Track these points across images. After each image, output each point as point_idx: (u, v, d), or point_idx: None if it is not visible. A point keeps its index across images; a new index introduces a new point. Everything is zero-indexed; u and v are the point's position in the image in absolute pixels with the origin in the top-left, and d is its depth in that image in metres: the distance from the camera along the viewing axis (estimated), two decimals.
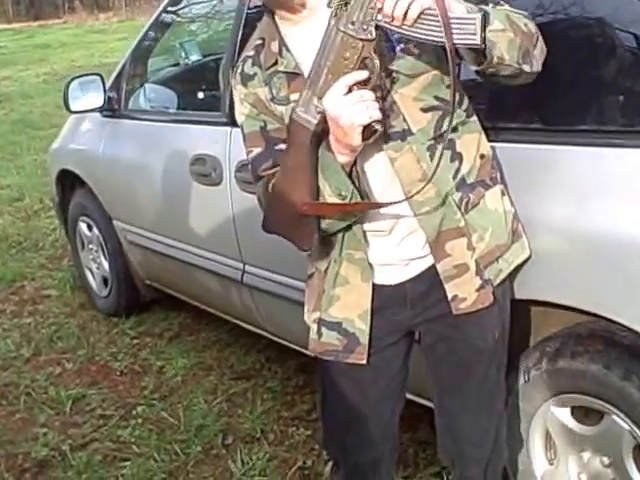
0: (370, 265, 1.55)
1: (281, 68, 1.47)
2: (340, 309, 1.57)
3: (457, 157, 1.50)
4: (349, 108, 1.30)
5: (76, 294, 4.04)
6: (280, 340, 2.73)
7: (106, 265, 3.65)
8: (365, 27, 1.31)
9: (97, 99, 3.19)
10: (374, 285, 1.56)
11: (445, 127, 1.46)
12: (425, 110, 1.46)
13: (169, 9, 3.33)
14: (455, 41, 1.26)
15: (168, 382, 3.12)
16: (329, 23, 1.33)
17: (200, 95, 3.14)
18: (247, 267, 2.63)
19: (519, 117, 1.82)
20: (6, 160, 7.25)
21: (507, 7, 1.44)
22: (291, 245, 1.54)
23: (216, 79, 2.75)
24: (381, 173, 1.48)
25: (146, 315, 3.72)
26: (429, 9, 1.25)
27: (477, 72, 1.42)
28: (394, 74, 1.42)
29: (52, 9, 32.09)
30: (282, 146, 1.48)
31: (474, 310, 1.55)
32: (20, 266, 4.52)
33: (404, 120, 1.45)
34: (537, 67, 1.44)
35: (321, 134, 1.38)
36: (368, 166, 1.47)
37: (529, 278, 1.72)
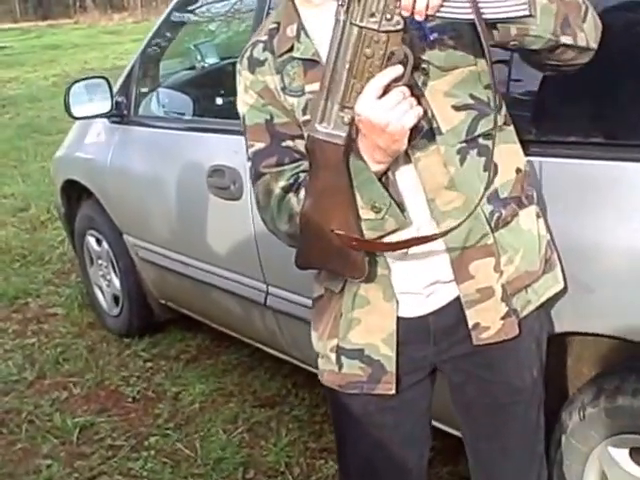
0: (391, 285, 1.45)
1: (297, 54, 1.39)
2: (361, 334, 1.48)
3: (491, 167, 1.39)
4: (395, 112, 1.21)
5: (84, 313, 3.98)
6: (306, 367, 2.64)
7: (117, 282, 3.60)
8: (389, 17, 1.19)
9: (103, 104, 3.11)
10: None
11: (480, 130, 1.39)
12: (458, 108, 1.37)
13: (181, 8, 3.25)
14: (500, 15, 1.16)
15: (184, 410, 3.04)
16: (337, 20, 1.21)
17: (218, 101, 3.08)
18: (271, 288, 2.57)
19: (579, 130, 1.72)
20: (11, 167, 7.25)
21: None
22: None
23: (235, 83, 2.63)
24: (403, 176, 1.38)
25: (161, 336, 3.66)
26: None
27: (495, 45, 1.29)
28: (424, 65, 1.33)
29: (62, 8, 32.44)
30: (289, 143, 1.42)
31: (499, 341, 1.46)
32: (24, 281, 4.47)
33: (433, 117, 1.36)
34: (585, 42, 1.33)
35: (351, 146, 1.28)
36: (393, 170, 1.38)
37: (585, 308, 1.65)
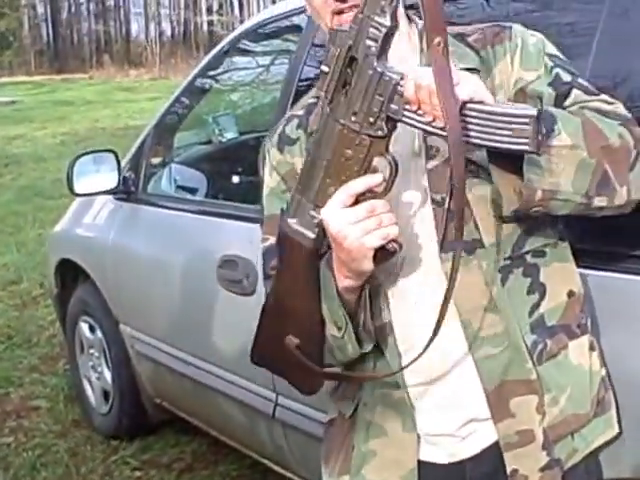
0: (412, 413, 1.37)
1: None
2: (377, 470, 1.40)
3: (539, 289, 1.33)
4: (357, 226, 1.15)
5: (69, 408, 3.86)
6: None
7: (108, 376, 3.51)
8: (372, 120, 1.14)
9: (109, 179, 3.06)
10: (419, 462, 1.37)
11: (528, 247, 1.33)
12: (505, 220, 1.29)
13: (204, 74, 3.22)
14: (488, 143, 1.10)
15: None
16: (322, 111, 1.18)
17: (234, 182, 3.05)
18: (280, 399, 2.48)
19: None
20: (6, 234, 7.25)
21: (599, 104, 1.26)
22: None
23: (255, 163, 2.58)
24: (433, 294, 1.29)
25: (153, 439, 3.53)
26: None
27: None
28: (471, 167, 1.26)
29: (78, 62, 33.52)
30: None
31: None
32: (6, 367, 4.37)
33: (476, 228, 1.29)
34: (625, 198, 1.22)
35: (320, 249, 1.24)
36: (412, 283, 1.32)
37: None
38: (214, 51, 3.09)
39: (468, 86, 1.09)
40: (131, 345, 3.27)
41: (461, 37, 1.36)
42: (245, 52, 3.13)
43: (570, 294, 1.38)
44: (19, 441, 3.60)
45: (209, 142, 3.58)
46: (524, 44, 1.31)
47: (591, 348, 1.41)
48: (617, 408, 1.47)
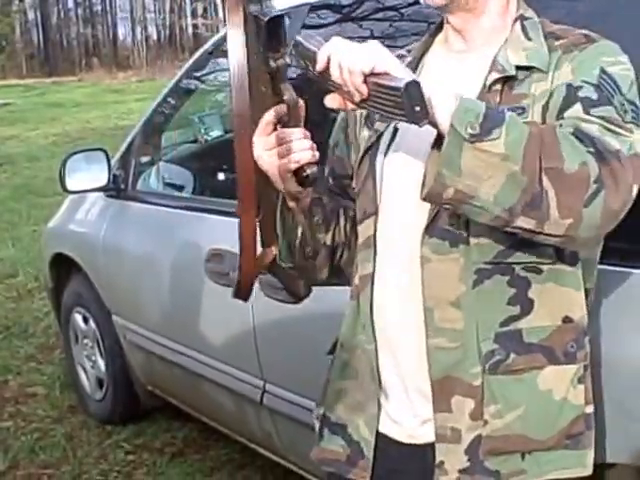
0: (379, 371, 1.34)
1: None
2: (347, 407, 1.40)
3: (523, 302, 1.23)
4: (270, 152, 1.23)
5: (66, 394, 3.80)
6: (304, 473, 2.48)
7: (102, 364, 3.46)
8: (276, 55, 1.20)
9: (100, 177, 3.01)
10: (382, 436, 1.35)
11: (518, 259, 1.23)
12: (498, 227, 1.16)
13: (190, 75, 3.17)
14: (389, 116, 1.10)
15: None
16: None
17: (220, 178, 3.01)
18: (268, 386, 2.45)
19: None
20: (2, 230, 7.14)
21: (590, 127, 1.11)
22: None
23: None
24: (398, 269, 1.29)
25: (146, 424, 3.47)
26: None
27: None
28: None
29: (68, 65, 33.21)
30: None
31: None
32: (5, 356, 4.30)
33: (465, 225, 1.22)
34: (569, 231, 1.08)
35: None
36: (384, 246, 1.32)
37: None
38: (198, 53, 3.04)
39: (366, 58, 1.08)
40: (123, 335, 3.22)
41: (553, 36, 1.28)
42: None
43: (566, 320, 1.26)
44: (18, 425, 3.55)
45: (195, 141, 3.52)
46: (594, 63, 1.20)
47: (579, 382, 1.28)
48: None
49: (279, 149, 1.21)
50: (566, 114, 1.15)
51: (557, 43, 1.27)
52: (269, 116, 1.21)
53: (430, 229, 1.24)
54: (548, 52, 1.26)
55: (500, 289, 1.23)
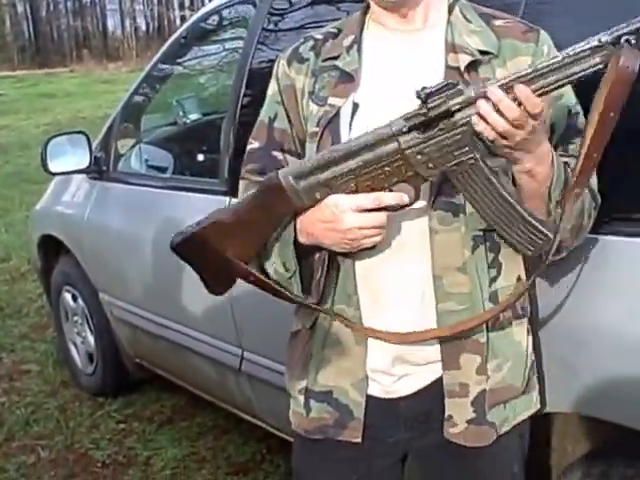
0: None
1: (340, 64, 1.35)
2: (331, 375, 1.40)
3: (497, 265, 1.33)
4: (361, 232, 1.21)
5: (58, 370, 3.82)
6: (283, 435, 2.50)
7: (91, 340, 3.47)
8: (432, 166, 1.17)
9: (82, 159, 2.99)
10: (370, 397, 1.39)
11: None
12: None
13: (167, 59, 3.14)
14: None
15: (155, 476, 2.88)
16: (390, 125, 1.17)
17: (198, 159, 2.99)
18: (246, 354, 2.46)
19: None
20: None
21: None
22: None
23: (216, 141, 2.54)
24: (413, 244, 1.30)
25: (135, 396, 3.50)
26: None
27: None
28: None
29: (59, 57, 32.79)
30: (278, 154, 1.38)
31: (464, 445, 1.36)
32: None
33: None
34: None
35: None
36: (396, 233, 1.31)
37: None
38: (171, 39, 3.01)
39: None
40: (110, 311, 3.22)
41: (487, 18, 1.32)
42: (203, 38, 3.06)
43: (518, 279, 1.37)
44: (12, 400, 3.56)
45: (174, 123, 3.52)
46: (550, 53, 1.27)
47: (529, 332, 1.41)
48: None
49: (370, 231, 1.21)
50: (570, 149, 1.30)
51: (496, 23, 1.30)
52: (389, 199, 1.20)
53: (436, 203, 1.27)
54: (494, 36, 1.29)
55: (486, 254, 1.31)
